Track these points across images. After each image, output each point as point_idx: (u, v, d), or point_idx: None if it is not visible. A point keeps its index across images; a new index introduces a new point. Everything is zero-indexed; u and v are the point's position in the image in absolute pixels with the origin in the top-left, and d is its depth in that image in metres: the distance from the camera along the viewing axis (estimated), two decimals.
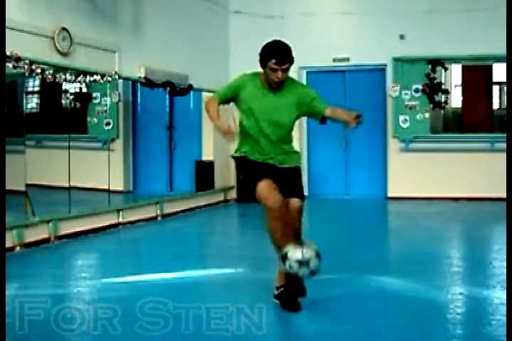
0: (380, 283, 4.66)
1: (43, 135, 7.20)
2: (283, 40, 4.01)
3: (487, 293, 4.30)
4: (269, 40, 3.98)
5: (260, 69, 4.01)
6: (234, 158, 4.15)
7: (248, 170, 4.05)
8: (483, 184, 10.11)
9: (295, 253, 3.69)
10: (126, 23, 7.90)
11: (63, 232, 6.54)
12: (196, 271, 5.15)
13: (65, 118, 7.12)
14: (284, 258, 3.73)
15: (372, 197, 10.67)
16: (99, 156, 7.61)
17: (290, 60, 3.88)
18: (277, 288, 4.06)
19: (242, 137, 4.10)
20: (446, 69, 10.40)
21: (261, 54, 3.94)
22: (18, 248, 5.91)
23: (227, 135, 3.84)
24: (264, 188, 3.88)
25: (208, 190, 9.79)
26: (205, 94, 9.81)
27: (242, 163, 4.10)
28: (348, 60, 10.63)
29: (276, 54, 3.85)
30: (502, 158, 8.99)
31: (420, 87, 10.37)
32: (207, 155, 9.94)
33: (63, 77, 6.58)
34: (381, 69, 10.60)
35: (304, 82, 10.80)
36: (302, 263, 3.67)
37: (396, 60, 10.40)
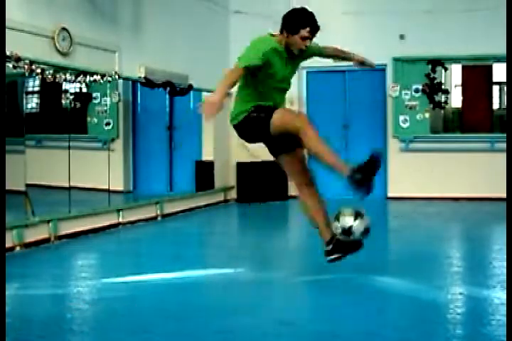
0: (380, 283, 4.66)
1: (43, 135, 7.19)
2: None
3: (487, 293, 4.29)
4: (297, 7, 3.79)
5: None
6: (248, 113, 3.89)
7: (261, 112, 3.84)
8: (483, 184, 10.11)
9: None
10: (126, 23, 7.89)
11: (63, 232, 6.54)
12: (196, 271, 5.14)
13: (65, 118, 7.12)
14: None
15: (372, 197, 10.53)
16: (99, 156, 7.61)
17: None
18: (328, 243, 4.25)
19: (247, 97, 3.89)
20: (446, 69, 10.40)
21: (292, 19, 3.73)
22: (18, 248, 5.91)
23: (211, 106, 3.42)
24: (288, 111, 3.87)
25: (208, 190, 9.79)
26: (205, 94, 9.85)
27: (255, 111, 3.87)
28: None
29: (313, 22, 3.70)
30: (502, 158, 8.99)
31: (420, 87, 10.37)
32: (207, 155, 9.94)
33: (63, 77, 6.58)
34: (381, 70, 10.59)
35: (304, 82, 10.84)
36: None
37: (396, 60, 10.40)
